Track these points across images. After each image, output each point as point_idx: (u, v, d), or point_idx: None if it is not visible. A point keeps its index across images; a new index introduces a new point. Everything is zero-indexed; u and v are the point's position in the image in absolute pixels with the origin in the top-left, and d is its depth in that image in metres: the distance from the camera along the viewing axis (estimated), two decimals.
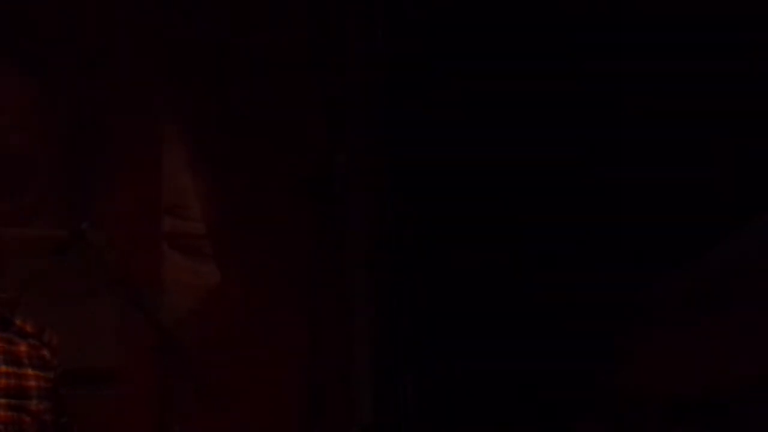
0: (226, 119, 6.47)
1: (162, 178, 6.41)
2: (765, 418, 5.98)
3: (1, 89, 6.09)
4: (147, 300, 5.30)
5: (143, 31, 6.29)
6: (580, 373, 6.19)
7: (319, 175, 6.47)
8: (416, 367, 6.30)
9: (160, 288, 6.28)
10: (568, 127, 6.23)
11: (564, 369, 6.13)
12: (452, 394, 6.27)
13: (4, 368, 4.25)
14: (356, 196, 6.60)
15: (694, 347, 6.12)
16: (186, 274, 6.41)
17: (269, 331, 6.33)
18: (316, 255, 6.27)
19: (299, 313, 6.27)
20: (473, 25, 6.45)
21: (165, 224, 6.39)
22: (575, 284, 6.10)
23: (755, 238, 6.24)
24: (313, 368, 6.26)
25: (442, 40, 6.38)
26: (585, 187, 6.13)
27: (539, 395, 6.25)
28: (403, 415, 6.28)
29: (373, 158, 6.46)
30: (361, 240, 6.63)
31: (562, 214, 6.14)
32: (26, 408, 4.23)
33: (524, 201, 6.26)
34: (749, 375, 6.09)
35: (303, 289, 6.27)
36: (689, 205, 5.99)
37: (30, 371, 4.29)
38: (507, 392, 6.20)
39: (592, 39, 6.30)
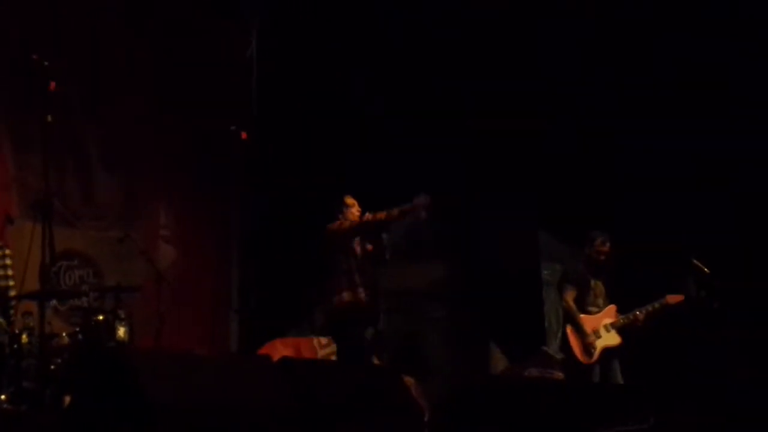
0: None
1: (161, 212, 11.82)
2: None
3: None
4: (154, 260, 10.72)
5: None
6: None
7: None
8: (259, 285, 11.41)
9: (158, 257, 11.25)
10: None
11: None
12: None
13: None
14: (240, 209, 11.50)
15: None
16: (166, 251, 11.60)
17: (202, 277, 11.04)
18: (222, 242, 11.40)
19: (216, 271, 11.12)
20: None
21: (161, 231, 11.78)
22: None
23: None
24: (219, 289, 11.10)
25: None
26: None
27: None
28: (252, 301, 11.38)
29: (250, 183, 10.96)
30: (239, 232, 11.66)
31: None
32: None
33: None
34: None
35: (217, 259, 11.26)
36: None
37: None
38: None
39: None
